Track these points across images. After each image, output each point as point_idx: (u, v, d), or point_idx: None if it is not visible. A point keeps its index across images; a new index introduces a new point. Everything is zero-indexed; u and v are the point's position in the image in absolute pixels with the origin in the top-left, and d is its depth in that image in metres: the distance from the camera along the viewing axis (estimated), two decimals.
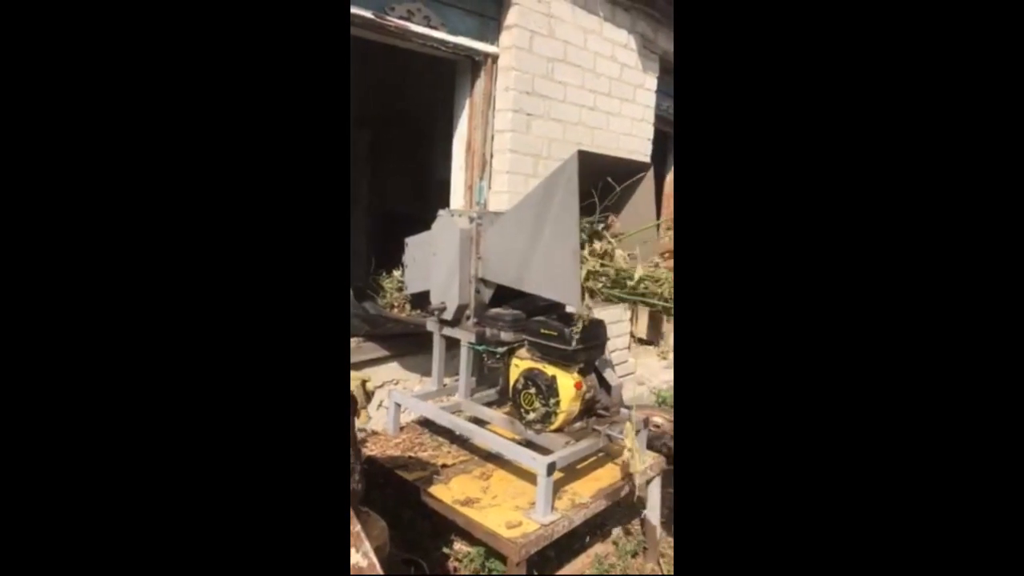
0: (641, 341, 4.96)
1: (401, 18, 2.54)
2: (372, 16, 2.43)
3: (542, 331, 1.90)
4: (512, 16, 2.85)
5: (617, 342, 3.95)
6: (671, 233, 4.65)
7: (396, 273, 2.73)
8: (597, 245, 1.88)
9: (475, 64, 2.91)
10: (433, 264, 2.22)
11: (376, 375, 2.73)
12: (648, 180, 1.98)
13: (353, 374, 1.44)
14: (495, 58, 2.91)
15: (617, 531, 2.38)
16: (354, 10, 2.36)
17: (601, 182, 1.91)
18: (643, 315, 4.90)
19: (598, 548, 2.29)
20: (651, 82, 3.72)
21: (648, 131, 3.78)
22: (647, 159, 3.71)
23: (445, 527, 2.03)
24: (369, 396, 1.46)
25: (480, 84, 2.92)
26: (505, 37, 2.89)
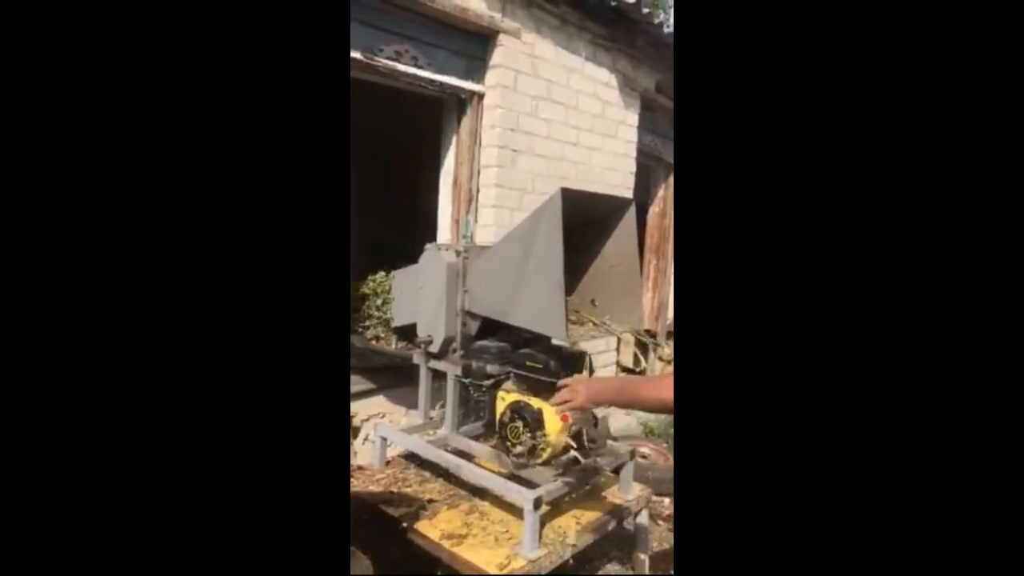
0: (627, 370, 4.98)
1: (389, 59, 2.62)
2: (361, 57, 2.50)
3: (528, 363, 1.92)
4: (497, 56, 2.95)
5: (604, 372, 3.97)
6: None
7: (377, 302, 2.75)
8: None
9: (461, 102, 2.99)
10: (420, 297, 2.24)
11: (362, 408, 2.71)
12: (631, 216, 2.03)
13: None
14: (481, 96, 2.99)
15: (608, 565, 2.35)
16: None
17: (584, 218, 1.96)
18: (629, 345, 4.94)
19: None
20: (632, 118, 3.84)
21: (630, 165, 3.88)
22: (630, 192, 3.80)
23: (431, 564, 2.00)
24: (355, 432, 1.45)
25: (466, 121, 3.00)
26: (491, 76, 2.99)
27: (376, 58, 2.55)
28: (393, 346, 2.66)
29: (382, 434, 2.34)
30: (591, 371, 2.04)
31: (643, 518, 2.20)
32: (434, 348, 2.19)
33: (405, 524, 1.89)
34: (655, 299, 4.81)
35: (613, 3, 3.26)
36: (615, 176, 3.76)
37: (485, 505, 2.04)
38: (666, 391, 1.27)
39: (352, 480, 2.21)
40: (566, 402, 1.64)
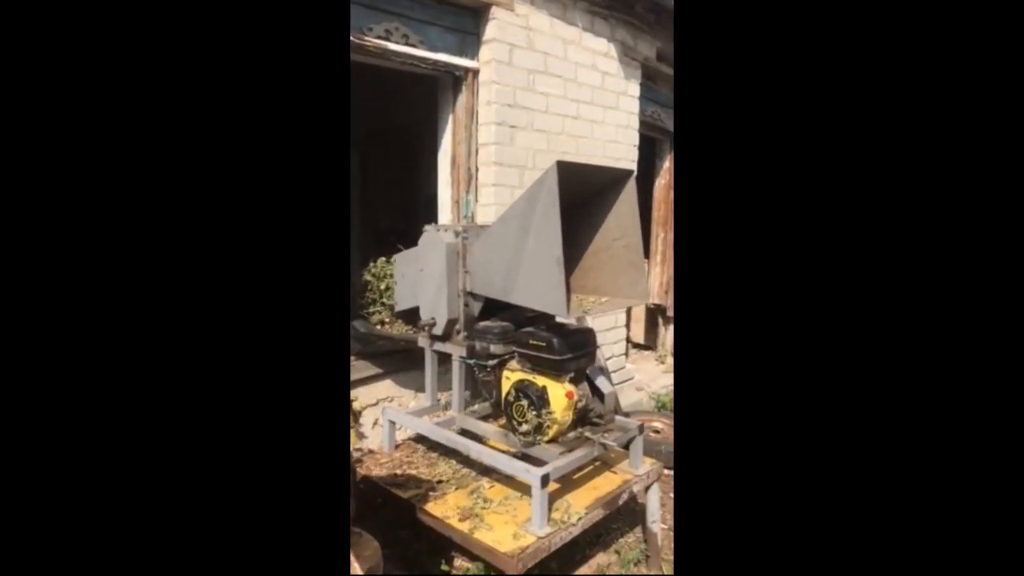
0: (638, 346, 4.95)
1: (379, 38, 2.57)
2: (350, 37, 2.45)
3: (531, 342, 1.90)
4: (491, 30, 2.88)
5: (614, 348, 3.95)
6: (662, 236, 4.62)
7: (381, 287, 2.73)
8: None
9: (456, 79, 2.93)
10: (421, 280, 2.23)
11: (370, 393, 2.72)
12: (631, 187, 1.99)
13: None
14: (476, 73, 2.93)
15: (620, 540, 2.36)
16: None
17: (583, 192, 1.92)
18: (639, 319, 4.90)
19: (600, 558, 2.27)
20: (634, 89, 3.75)
21: (633, 137, 3.80)
22: (633, 165, 3.73)
23: (443, 544, 2.02)
24: (356, 416, 1.45)
25: (462, 99, 2.94)
26: (485, 51, 2.92)
27: (366, 37, 2.50)
28: (398, 330, 2.65)
29: (390, 418, 2.35)
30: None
31: (654, 492, 2.20)
32: (438, 330, 2.18)
33: (415, 505, 1.90)
34: (664, 273, 4.75)
35: None
36: (618, 149, 3.69)
37: (494, 484, 2.04)
38: None
39: (366, 464, 2.22)
40: None
